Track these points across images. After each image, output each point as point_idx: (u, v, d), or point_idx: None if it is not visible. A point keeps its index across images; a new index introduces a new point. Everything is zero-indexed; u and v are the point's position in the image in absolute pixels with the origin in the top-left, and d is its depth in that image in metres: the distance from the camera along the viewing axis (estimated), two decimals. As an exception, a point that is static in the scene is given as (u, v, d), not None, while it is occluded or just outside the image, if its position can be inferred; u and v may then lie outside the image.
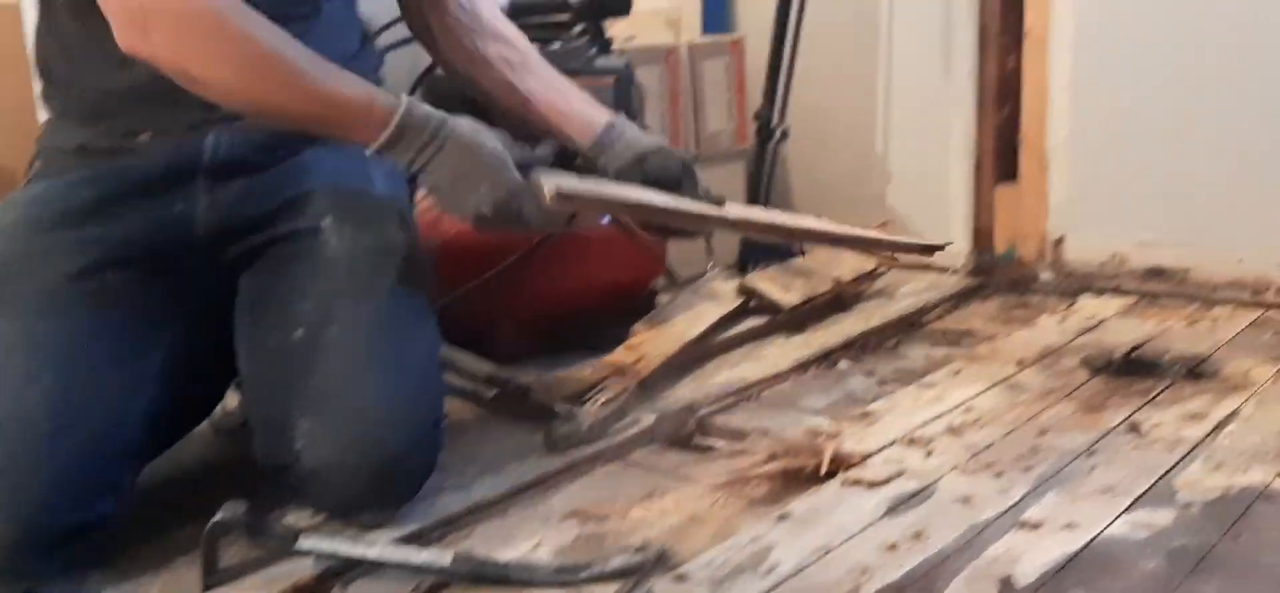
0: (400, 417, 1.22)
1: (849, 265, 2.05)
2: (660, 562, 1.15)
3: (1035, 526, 1.18)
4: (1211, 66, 1.95)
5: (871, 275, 2.09)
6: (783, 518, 1.22)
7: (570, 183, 1.25)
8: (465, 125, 1.22)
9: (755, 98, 2.29)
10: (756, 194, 2.23)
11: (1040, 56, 2.11)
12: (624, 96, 1.86)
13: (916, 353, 1.81)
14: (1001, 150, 2.20)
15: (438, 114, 1.21)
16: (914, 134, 2.29)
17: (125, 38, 1.15)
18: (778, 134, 2.24)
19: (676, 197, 1.34)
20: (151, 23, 1.14)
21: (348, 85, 1.20)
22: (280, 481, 1.23)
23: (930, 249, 1.87)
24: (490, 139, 1.22)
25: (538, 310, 1.76)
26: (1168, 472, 1.30)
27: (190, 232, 1.29)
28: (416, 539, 1.21)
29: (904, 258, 2.14)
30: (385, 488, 1.22)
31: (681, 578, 1.10)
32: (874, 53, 2.33)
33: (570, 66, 1.75)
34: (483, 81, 1.45)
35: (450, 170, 1.19)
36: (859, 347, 1.83)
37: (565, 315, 1.77)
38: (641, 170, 1.36)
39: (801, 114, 2.31)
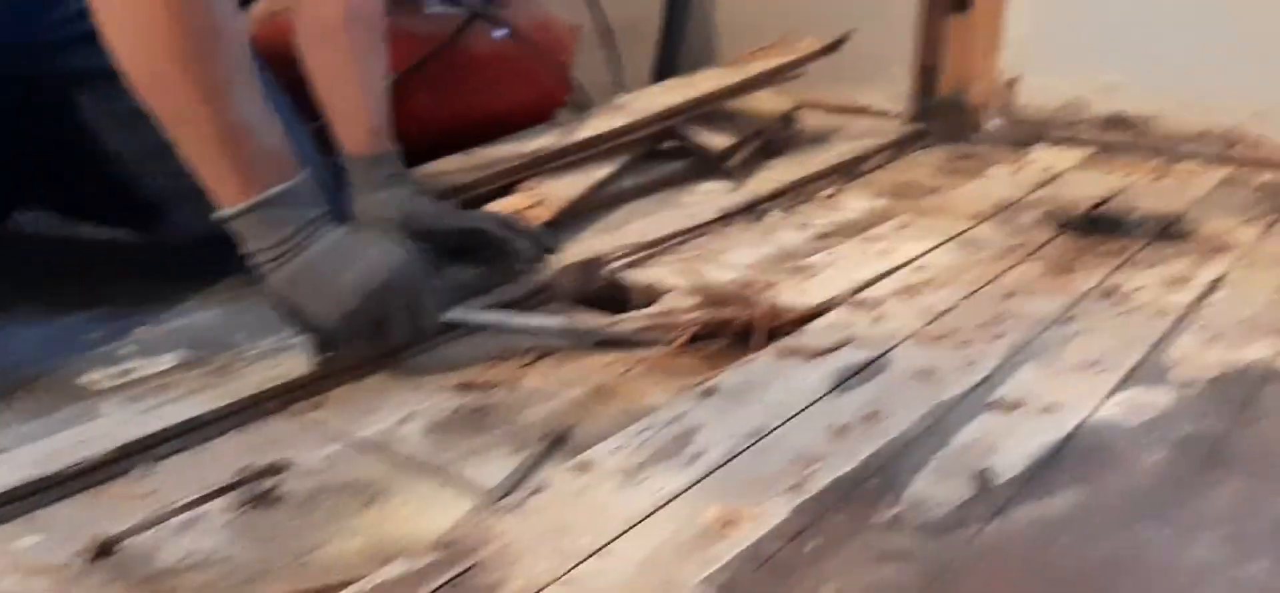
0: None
1: (770, 104, 1.81)
2: (559, 443, 0.93)
3: (1011, 407, 0.98)
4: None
5: (792, 114, 1.85)
6: (708, 393, 1.00)
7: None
8: (337, 233, 0.99)
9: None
10: (673, 22, 1.96)
11: None
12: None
13: (856, 205, 1.59)
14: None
15: (321, 208, 0.99)
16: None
17: None
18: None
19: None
20: None
21: (267, 123, 0.96)
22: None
23: (833, 47, 1.81)
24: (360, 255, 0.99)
25: (421, 135, 1.48)
26: (1157, 343, 1.11)
27: None
28: (251, 407, 0.97)
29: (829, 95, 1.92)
30: None
31: (585, 467, 0.88)
32: None
33: None
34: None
35: (301, 276, 0.98)
36: (791, 196, 1.60)
37: (454, 143, 1.50)
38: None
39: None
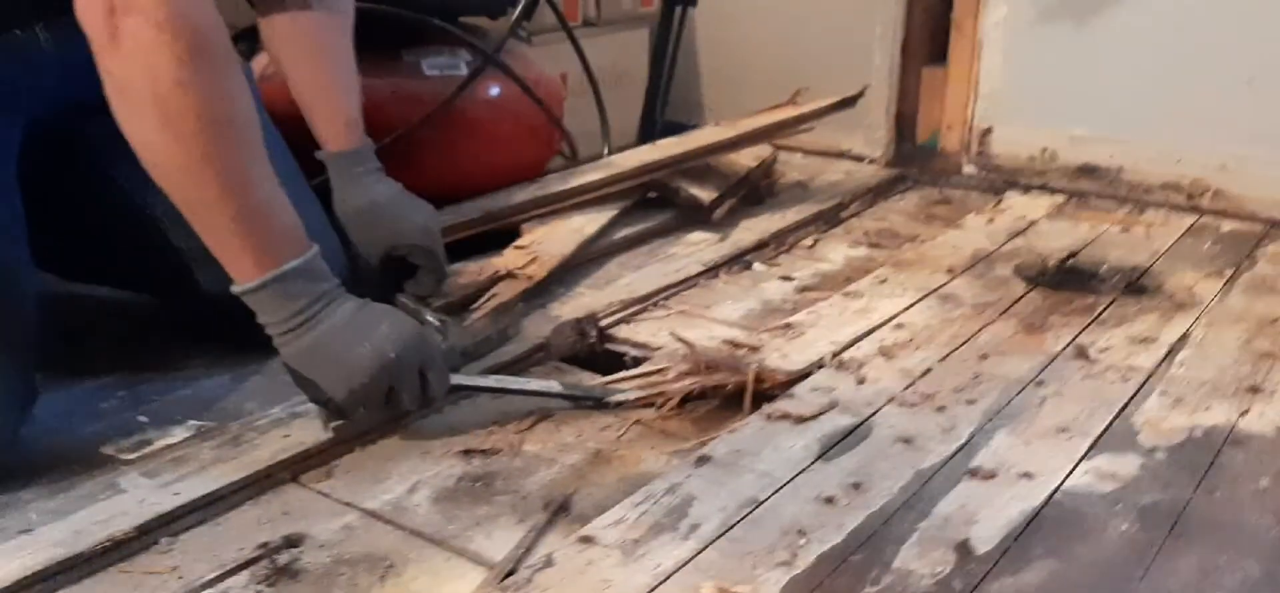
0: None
1: (751, 152, 1.86)
2: (562, 512, 0.98)
3: (989, 475, 1.04)
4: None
5: (773, 162, 1.91)
6: (702, 462, 1.05)
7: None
8: (348, 307, 1.03)
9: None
10: (661, 66, 2.01)
11: (977, -72, 1.93)
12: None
13: (836, 254, 1.65)
14: (931, 29, 2.02)
15: (331, 282, 1.03)
16: (836, 7, 2.08)
17: (86, 11, 0.93)
18: None
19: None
20: (130, 12, 0.91)
21: (280, 202, 1.00)
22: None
23: (849, 101, 1.84)
24: (374, 328, 1.03)
25: (419, 191, 1.53)
26: (1124, 408, 1.17)
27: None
28: (265, 478, 1.01)
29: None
30: None
31: (588, 541, 0.93)
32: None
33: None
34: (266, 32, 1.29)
35: (313, 350, 1.02)
36: (773, 246, 1.66)
37: (450, 198, 1.54)
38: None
39: (713, -21, 2.08)
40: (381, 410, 1.06)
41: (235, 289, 0.99)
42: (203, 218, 0.98)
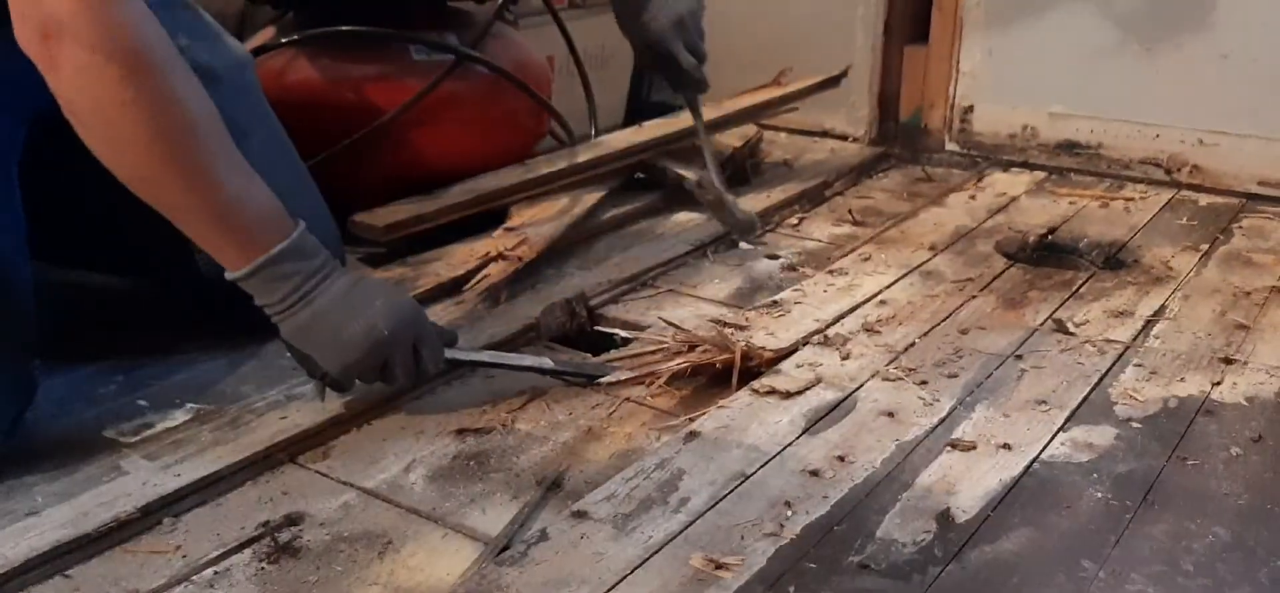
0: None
1: (736, 132, 1.89)
2: (555, 488, 1.00)
3: (969, 446, 1.07)
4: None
5: (758, 142, 1.93)
6: (691, 437, 1.08)
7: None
8: (343, 283, 1.05)
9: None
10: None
11: (957, -94, 1.95)
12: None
13: (820, 232, 1.67)
14: (913, 9, 2.04)
15: (322, 256, 1.04)
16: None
17: (25, 40, 0.92)
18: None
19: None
20: (64, 39, 0.90)
21: (256, 190, 1.00)
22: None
23: (832, 81, 1.89)
24: (368, 298, 1.06)
25: (410, 174, 1.55)
26: (1101, 380, 1.20)
27: None
28: (264, 459, 1.04)
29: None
30: None
31: (580, 515, 0.95)
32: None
33: None
34: None
35: (310, 326, 1.04)
36: (760, 225, 1.68)
37: (440, 181, 1.56)
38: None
39: (696, -40, 2.09)
40: (378, 380, 1.09)
41: (228, 276, 1.01)
42: (179, 219, 0.99)
